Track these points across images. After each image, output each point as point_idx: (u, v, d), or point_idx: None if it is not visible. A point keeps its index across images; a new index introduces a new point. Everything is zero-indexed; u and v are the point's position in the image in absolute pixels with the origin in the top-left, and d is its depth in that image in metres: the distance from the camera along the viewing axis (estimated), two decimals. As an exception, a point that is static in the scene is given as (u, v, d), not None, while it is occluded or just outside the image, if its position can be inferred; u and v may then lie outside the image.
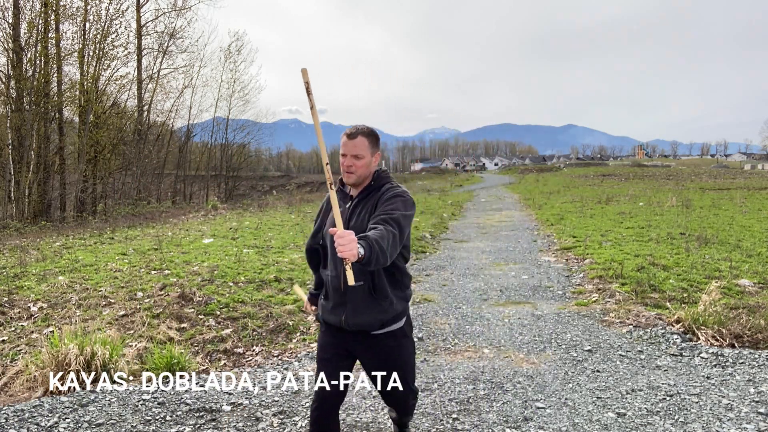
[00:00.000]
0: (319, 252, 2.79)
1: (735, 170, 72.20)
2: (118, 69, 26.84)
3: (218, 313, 5.95)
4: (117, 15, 25.69)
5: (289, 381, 4.42)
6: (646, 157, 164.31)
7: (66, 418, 3.76)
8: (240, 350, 5.15)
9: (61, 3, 23.42)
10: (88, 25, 24.74)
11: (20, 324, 5.62)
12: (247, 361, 4.94)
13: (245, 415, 3.82)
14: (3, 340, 5.18)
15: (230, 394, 4.17)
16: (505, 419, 3.70)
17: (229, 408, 3.93)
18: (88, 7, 24.56)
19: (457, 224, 16.25)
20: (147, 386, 4.28)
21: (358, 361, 2.77)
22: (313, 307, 3.00)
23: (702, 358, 4.76)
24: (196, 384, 4.34)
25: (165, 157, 35.30)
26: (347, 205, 2.58)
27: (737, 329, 5.12)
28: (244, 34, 67.30)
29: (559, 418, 3.69)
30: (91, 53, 24.87)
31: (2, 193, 21.10)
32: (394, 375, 2.67)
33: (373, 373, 2.70)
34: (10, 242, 12.88)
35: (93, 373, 4.33)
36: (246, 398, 4.10)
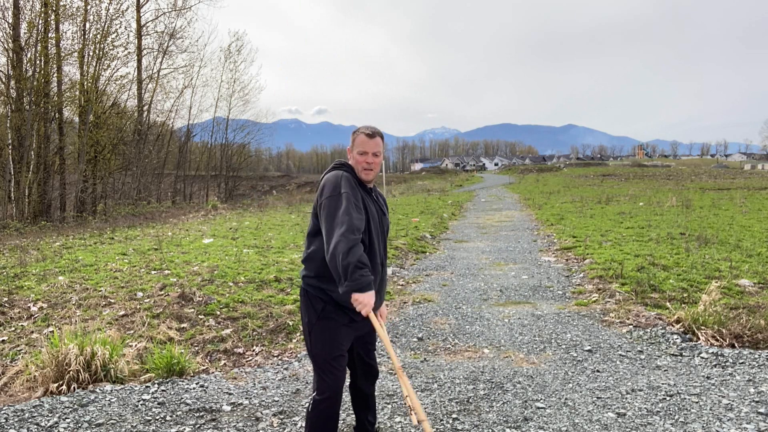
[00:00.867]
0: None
1: (735, 170, 72.20)
2: (118, 69, 26.90)
3: (218, 313, 5.95)
4: (117, 15, 25.74)
5: (289, 381, 4.42)
6: (646, 157, 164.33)
7: (66, 418, 3.76)
8: (240, 350, 5.15)
9: (61, 3, 23.43)
10: (88, 25, 24.78)
11: (20, 324, 5.62)
12: (247, 361, 4.94)
13: (245, 415, 3.82)
14: (3, 340, 5.18)
15: (230, 394, 4.17)
16: (505, 419, 3.70)
17: (229, 408, 3.93)
18: (88, 7, 24.61)
19: (457, 224, 16.25)
20: (147, 386, 4.28)
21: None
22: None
23: (702, 358, 4.76)
24: (196, 384, 4.34)
25: (165, 157, 35.32)
26: (373, 196, 2.76)
27: (737, 329, 5.12)
28: (244, 34, 67.40)
29: (559, 418, 3.69)
30: (91, 53, 24.89)
31: (2, 193, 21.09)
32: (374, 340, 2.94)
33: (368, 347, 2.93)
34: (10, 242, 12.88)
35: (93, 374, 4.33)
36: (246, 398, 4.09)
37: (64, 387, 4.16)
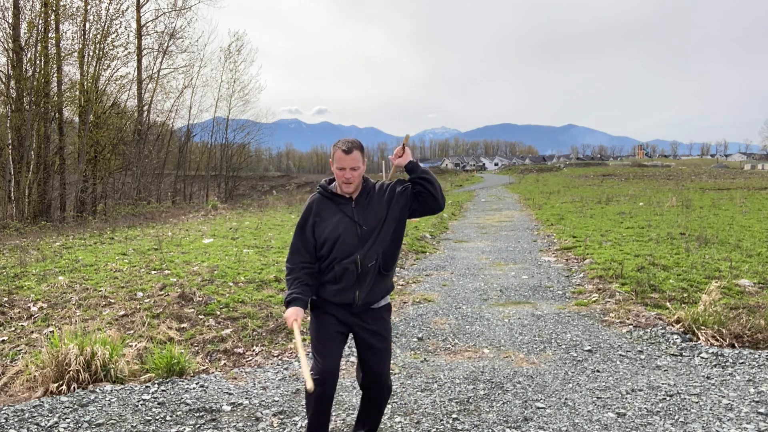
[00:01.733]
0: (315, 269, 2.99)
1: (735, 170, 72.22)
2: (118, 69, 26.89)
3: (218, 313, 5.95)
4: (117, 15, 25.72)
5: (289, 381, 4.42)
6: (646, 157, 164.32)
7: (66, 418, 3.76)
8: (240, 350, 5.14)
9: (61, 3, 23.42)
10: (88, 25, 24.77)
11: (20, 324, 5.62)
12: (247, 361, 4.93)
13: (245, 415, 3.82)
14: (3, 340, 5.18)
15: (230, 394, 4.17)
16: (505, 419, 3.70)
17: (229, 408, 3.93)
18: (88, 7, 24.59)
19: (457, 224, 16.25)
20: (147, 386, 4.28)
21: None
22: (301, 313, 2.92)
23: (702, 358, 4.76)
24: (196, 384, 4.34)
25: (165, 157, 35.32)
26: (352, 206, 2.94)
27: (737, 329, 5.12)
28: (244, 34, 67.35)
29: (559, 418, 3.69)
30: (91, 53, 24.88)
31: (2, 193, 21.09)
32: (383, 348, 3.03)
33: (368, 342, 3.01)
34: (10, 242, 12.88)
35: (93, 374, 4.33)
36: (246, 398, 4.09)
37: (64, 387, 4.16)
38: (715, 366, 4.58)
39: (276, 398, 4.09)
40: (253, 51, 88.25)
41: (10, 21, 21.77)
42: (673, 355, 4.88)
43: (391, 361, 4.81)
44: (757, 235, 11.30)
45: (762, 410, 3.72)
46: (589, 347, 5.11)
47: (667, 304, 6.24)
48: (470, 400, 4.01)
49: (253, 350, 5.17)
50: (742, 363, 4.60)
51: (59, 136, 24.59)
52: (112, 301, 6.27)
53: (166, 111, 34.25)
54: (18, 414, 3.79)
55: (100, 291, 6.64)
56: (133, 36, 28.76)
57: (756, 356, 4.72)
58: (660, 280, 7.24)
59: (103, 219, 20.18)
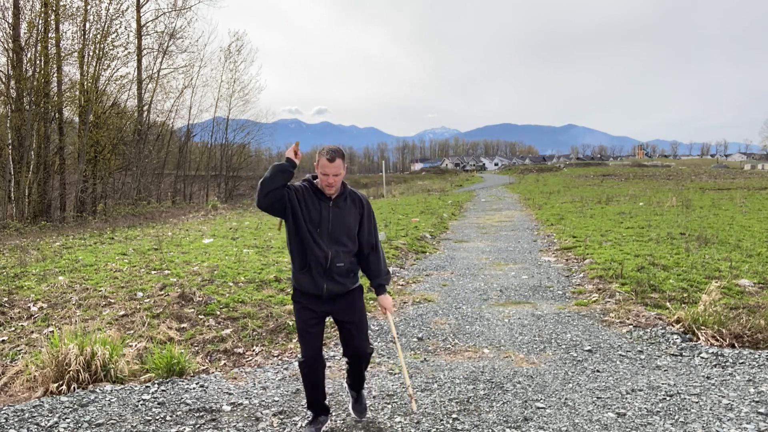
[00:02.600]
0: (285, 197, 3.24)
1: (735, 170, 72.21)
2: (118, 69, 26.89)
3: (218, 313, 5.95)
4: (117, 15, 25.73)
5: (289, 381, 4.42)
6: (646, 157, 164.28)
7: (66, 418, 3.76)
8: (240, 350, 5.15)
9: (61, 3, 23.43)
10: (88, 25, 24.77)
11: (20, 324, 5.63)
12: (247, 361, 4.93)
13: (245, 415, 3.82)
14: (3, 340, 5.18)
15: (230, 394, 4.17)
16: (505, 419, 3.70)
17: (229, 408, 3.93)
18: (88, 7, 24.60)
19: (457, 224, 16.25)
20: (147, 386, 4.28)
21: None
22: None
23: (702, 358, 4.76)
24: (196, 384, 4.34)
25: (165, 157, 35.30)
26: (329, 204, 3.30)
27: (737, 329, 5.12)
28: (244, 34, 67.38)
29: (559, 418, 3.69)
30: (91, 53, 24.88)
31: (2, 193, 21.09)
32: (357, 321, 3.45)
33: (345, 319, 3.42)
34: (10, 242, 12.88)
35: (93, 374, 4.33)
36: (246, 398, 4.09)
37: (64, 387, 4.16)
38: (715, 366, 4.58)
39: (276, 398, 4.09)
40: (253, 51, 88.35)
41: (10, 21, 21.78)
42: (673, 355, 4.88)
43: (391, 361, 4.83)
44: (757, 235, 11.30)
45: (762, 410, 3.72)
46: (589, 347, 5.11)
47: (667, 304, 6.24)
48: (470, 400, 4.01)
49: (253, 350, 5.17)
50: (742, 363, 4.60)
51: (59, 136, 24.59)
52: (112, 301, 6.27)
53: (166, 111, 34.27)
54: (18, 414, 3.79)
55: (100, 291, 6.64)
56: (133, 36, 28.80)
57: (756, 356, 4.72)
58: (660, 280, 7.24)
59: (103, 219, 20.18)
